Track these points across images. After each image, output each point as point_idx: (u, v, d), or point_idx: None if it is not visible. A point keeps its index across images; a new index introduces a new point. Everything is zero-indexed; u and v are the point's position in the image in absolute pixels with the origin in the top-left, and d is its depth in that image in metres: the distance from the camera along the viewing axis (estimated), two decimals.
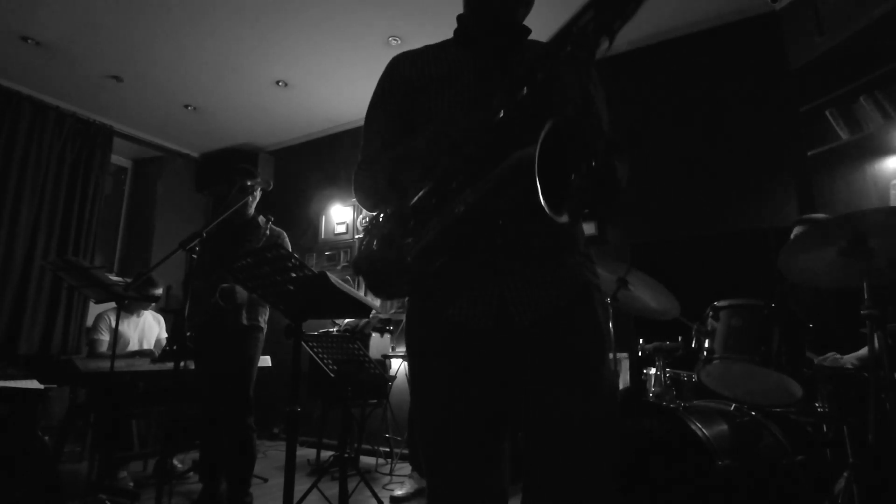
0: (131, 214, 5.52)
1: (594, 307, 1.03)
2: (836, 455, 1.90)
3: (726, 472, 1.71)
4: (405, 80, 1.14)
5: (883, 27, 2.63)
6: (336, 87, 4.39)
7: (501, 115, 0.84)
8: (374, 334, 3.96)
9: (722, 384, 2.15)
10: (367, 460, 3.87)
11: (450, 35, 1.19)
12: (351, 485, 2.59)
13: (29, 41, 3.77)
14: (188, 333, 2.55)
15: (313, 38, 3.74)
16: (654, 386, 2.22)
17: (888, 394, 1.57)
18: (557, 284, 1.00)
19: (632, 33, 3.69)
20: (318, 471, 3.30)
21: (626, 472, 1.96)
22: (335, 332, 3.83)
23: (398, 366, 3.89)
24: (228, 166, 5.44)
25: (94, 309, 4.21)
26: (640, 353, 2.35)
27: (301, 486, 2.19)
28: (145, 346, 3.68)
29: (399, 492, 2.96)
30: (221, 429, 2.57)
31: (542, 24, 1.15)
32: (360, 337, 3.80)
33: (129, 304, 3.49)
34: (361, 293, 4.02)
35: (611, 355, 1.21)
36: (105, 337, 3.50)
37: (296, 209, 5.32)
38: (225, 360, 2.58)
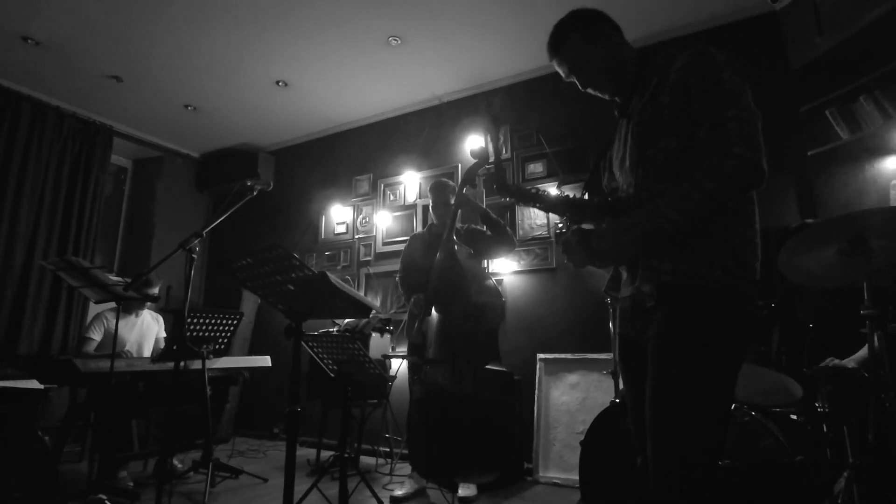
0: (131, 214, 5.52)
1: None
2: (836, 455, 1.90)
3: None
4: None
5: (883, 27, 2.63)
6: (336, 87, 4.37)
7: None
8: (374, 334, 3.96)
9: None
10: (367, 460, 3.87)
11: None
12: (351, 485, 2.59)
13: (29, 41, 3.78)
14: None
15: (313, 38, 3.74)
16: None
17: (888, 394, 1.57)
18: None
19: (632, 33, 3.68)
20: (318, 471, 3.30)
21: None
22: (335, 332, 3.84)
23: (398, 366, 3.89)
24: (228, 166, 5.50)
25: (95, 309, 4.21)
26: None
27: (301, 486, 2.20)
28: (144, 346, 3.68)
29: (399, 492, 2.95)
30: None
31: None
32: (360, 337, 3.80)
33: (127, 303, 3.49)
34: (361, 293, 4.03)
35: None
36: (97, 337, 3.50)
37: (296, 209, 5.32)
38: None
